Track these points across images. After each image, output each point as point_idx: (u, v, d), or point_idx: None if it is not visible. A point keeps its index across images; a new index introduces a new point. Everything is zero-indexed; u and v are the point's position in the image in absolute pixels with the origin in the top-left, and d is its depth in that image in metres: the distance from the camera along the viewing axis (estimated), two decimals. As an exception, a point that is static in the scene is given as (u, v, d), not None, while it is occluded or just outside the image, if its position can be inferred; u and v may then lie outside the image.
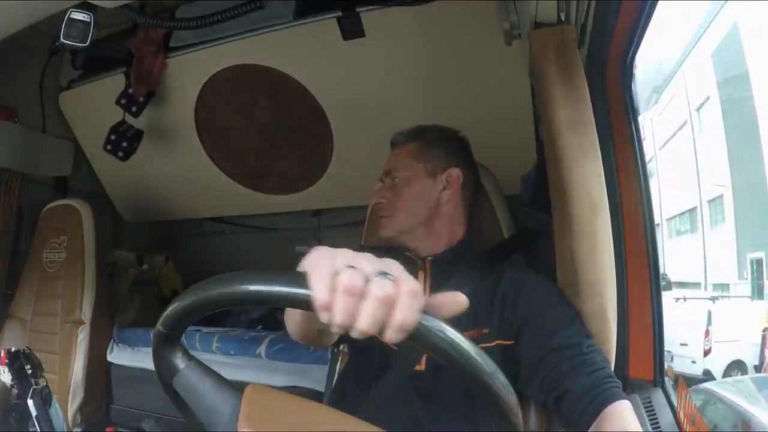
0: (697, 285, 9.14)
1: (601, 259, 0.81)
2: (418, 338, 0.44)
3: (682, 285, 8.74)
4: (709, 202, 9.91)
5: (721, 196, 9.50)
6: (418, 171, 0.97)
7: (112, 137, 1.72)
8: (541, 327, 0.81)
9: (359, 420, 0.54)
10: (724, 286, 8.96)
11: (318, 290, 0.40)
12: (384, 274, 0.41)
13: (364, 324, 0.40)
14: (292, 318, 0.74)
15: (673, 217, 11.13)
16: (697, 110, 10.24)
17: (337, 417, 0.56)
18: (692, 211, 10.46)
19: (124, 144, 1.73)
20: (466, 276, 0.91)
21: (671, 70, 11.23)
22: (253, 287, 0.47)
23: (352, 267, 0.41)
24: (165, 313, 0.53)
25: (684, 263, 9.98)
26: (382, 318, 0.41)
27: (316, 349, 1.46)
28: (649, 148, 10.82)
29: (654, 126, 11.43)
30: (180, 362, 0.54)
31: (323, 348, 0.79)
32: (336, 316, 0.40)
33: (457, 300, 0.45)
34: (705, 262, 9.69)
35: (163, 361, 0.59)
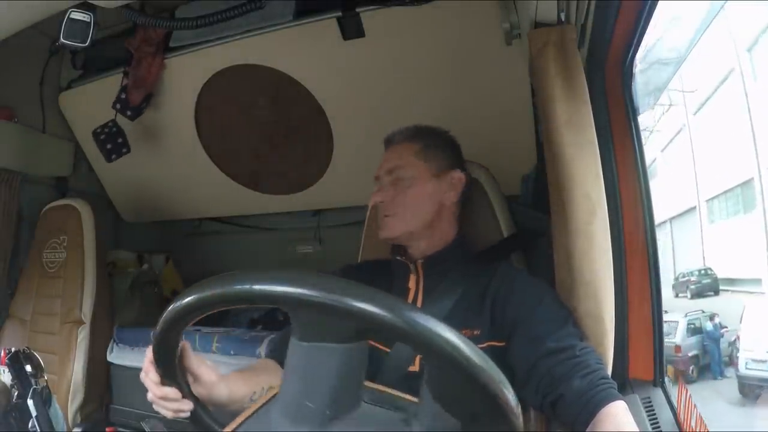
0: (756, 282, 6.68)
1: (598, 259, 0.81)
2: (417, 339, 0.44)
3: (730, 282, 6.82)
4: (774, 168, 7.09)
5: (795, 157, 6.65)
6: (424, 171, 0.95)
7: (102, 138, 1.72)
8: (533, 329, 0.80)
9: None
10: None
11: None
12: None
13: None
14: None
15: (717, 196, 8.48)
16: (749, 50, 7.55)
17: None
18: (745, 184, 7.64)
19: (109, 146, 1.73)
20: (458, 278, 0.91)
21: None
22: (248, 287, 0.48)
23: None
24: (164, 315, 0.54)
25: (734, 254, 7.52)
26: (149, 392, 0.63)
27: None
28: (680, 117, 8.57)
29: (684, 89, 8.65)
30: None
31: None
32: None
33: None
34: (769, 250, 6.93)
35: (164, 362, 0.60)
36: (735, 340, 4.76)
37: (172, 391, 0.61)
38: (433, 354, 0.44)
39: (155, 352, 0.58)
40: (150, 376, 0.61)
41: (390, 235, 0.94)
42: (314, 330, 0.48)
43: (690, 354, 4.87)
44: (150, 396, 0.63)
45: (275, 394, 0.57)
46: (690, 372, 4.79)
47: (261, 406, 0.58)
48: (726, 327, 4.98)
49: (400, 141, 0.99)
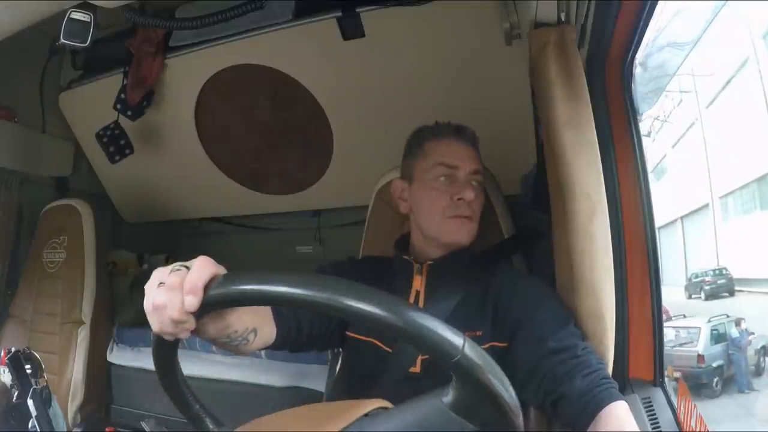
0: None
1: (599, 258, 0.81)
2: (418, 339, 0.44)
3: (746, 282, 6.40)
4: (793, 161, 6.99)
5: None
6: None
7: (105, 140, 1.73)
8: (534, 330, 0.80)
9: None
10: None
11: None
12: (179, 268, 0.55)
13: (148, 306, 0.53)
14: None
15: (731, 192, 7.80)
16: (765, 37, 7.01)
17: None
18: (762, 179, 7.22)
19: (111, 148, 1.74)
20: (460, 279, 0.91)
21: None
22: (251, 287, 0.48)
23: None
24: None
25: (751, 252, 6.89)
26: (164, 301, 0.52)
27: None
28: (692, 111, 8.80)
29: (696, 78, 7.74)
30: None
31: (244, 354, 0.78)
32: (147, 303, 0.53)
33: None
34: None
35: (163, 361, 0.60)
36: (766, 348, 4.34)
37: (192, 321, 0.53)
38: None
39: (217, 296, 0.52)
40: (189, 300, 0.51)
41: (466, 240, 0.93)
42: (471, 408, 0.48)
43: (714, 365, 4.27)
44: (164, 302, 0.53)
45: (378, 410, 0.56)
46: (714, 385, 4.20)
47: (356, 420, 0.55)
48: (753, 333, 4.49)
49: (474, 144, 0.98)
